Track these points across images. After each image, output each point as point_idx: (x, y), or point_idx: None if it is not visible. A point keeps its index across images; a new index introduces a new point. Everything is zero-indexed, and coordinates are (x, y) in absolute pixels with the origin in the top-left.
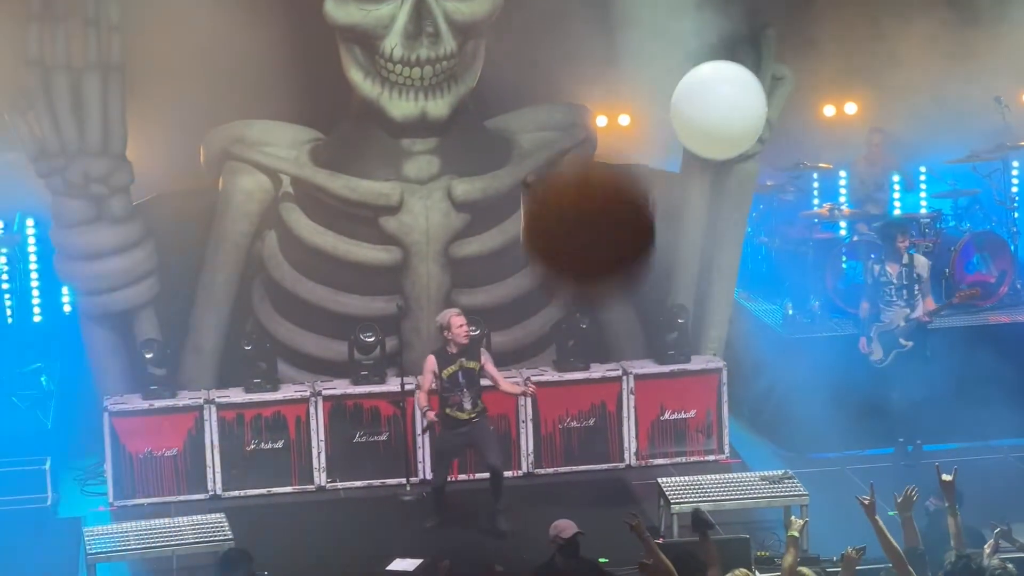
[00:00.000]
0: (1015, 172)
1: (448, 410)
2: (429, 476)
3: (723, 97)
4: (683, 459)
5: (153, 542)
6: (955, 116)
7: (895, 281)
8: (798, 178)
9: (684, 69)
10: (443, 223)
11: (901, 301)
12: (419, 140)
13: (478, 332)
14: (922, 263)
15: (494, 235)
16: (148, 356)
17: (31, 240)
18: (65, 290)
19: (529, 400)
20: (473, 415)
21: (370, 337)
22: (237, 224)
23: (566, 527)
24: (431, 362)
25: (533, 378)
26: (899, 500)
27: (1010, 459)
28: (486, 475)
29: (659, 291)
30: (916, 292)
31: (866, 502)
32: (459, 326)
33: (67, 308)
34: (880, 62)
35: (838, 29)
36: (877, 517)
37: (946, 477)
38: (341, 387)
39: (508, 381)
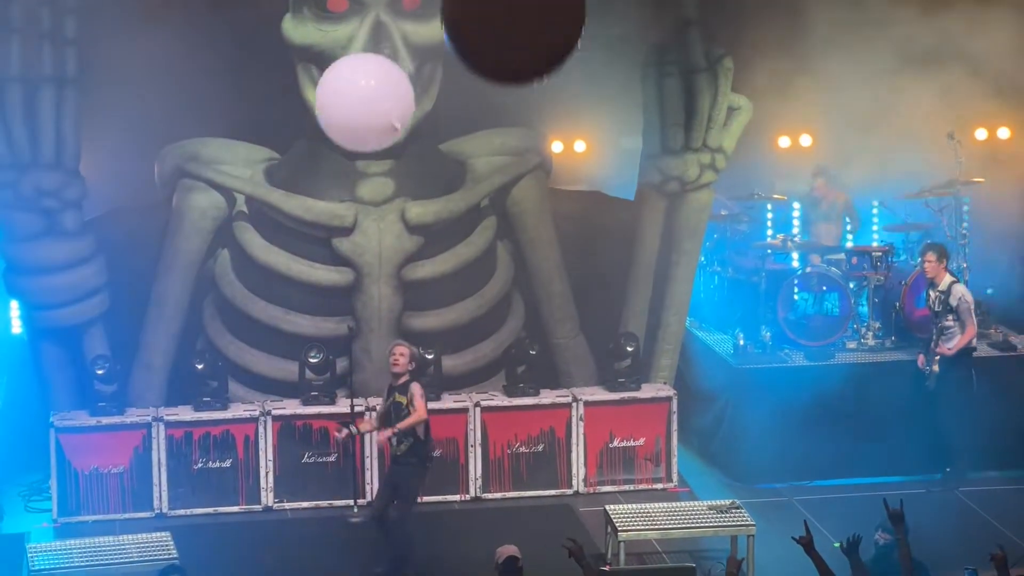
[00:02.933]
0: (966, 208)
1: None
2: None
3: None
4: (631, 487)
5: (97, 560)
6: (908, 151)
7: (933, 307)
8: (752, 208)
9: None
10: (396, 245)
11: (934, 328)
12: (374, 162)
13: (408, 369)
14: (956, 293)
15: (447, 258)
16: (99, 372)
17: None
18: (14, 304)
19: (478, 424)
20: (396, 452)
21: (316, 357)
22: (190, 241)
23: (502, 552)
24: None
25: (483, 403)
26: (845, 547)
27: (958, 494)
28: (431, 497)
29: (611, 318)
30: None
31: (803, 541)
32: (389, 355)
33: (16, 322)
34: (835, 95)
35: (795, 61)
36: (816, 551)
37: (894, 509)
38: (291, 407)
39: (404, 424)
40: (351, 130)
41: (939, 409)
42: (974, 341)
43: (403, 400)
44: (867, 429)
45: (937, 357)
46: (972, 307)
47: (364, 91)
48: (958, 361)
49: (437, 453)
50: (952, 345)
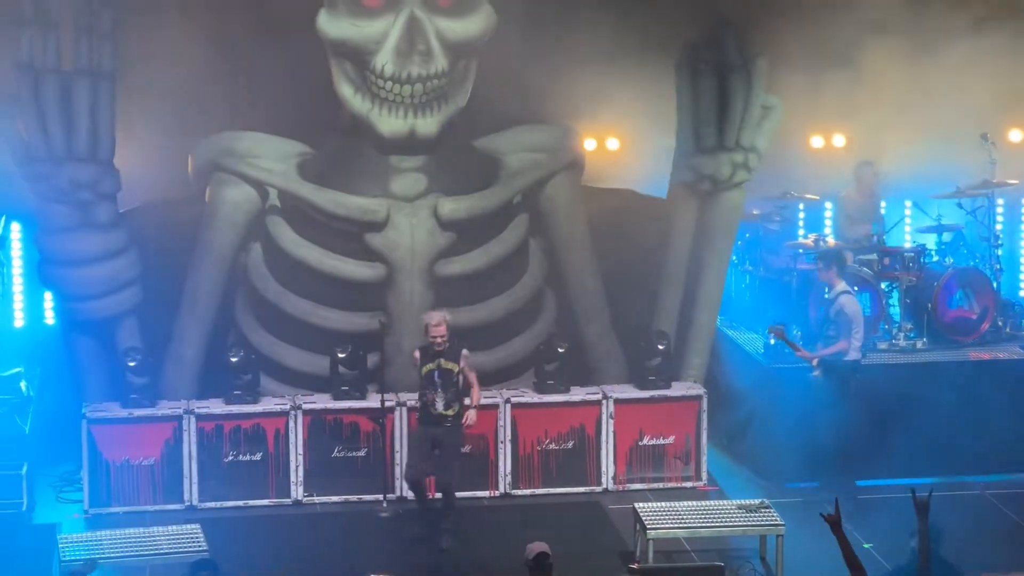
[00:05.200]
0: (1000, 209)
1: (424, 404)
2: (407, 493)
3: None
4: (661, 485)
5: (128, 551)
6: (942, 152)
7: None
8: (784, 208)
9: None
10: (428, 241)
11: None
12: (407, 157)
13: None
14: (838, 304)
15: (479, 255)
16: (131, 364)
17: (16, 244)
18: (48, 295)
19: (508, 420)
20: (447, 415)
21: (343, 352)
22: (223, 235)
23: (532, 548)
24: (415, 356)
25: (513, 399)
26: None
27: (987, 495)
28: (461, 493)
29: (642, 317)
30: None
31: (830, 519)
32: (433, 327)
33: (49, 313)
34: (870, 95)
35: (830, 61)
36: (842, 531)
37: (921, 497)
38: (322, 402)
39: (476, 396)
40: None
41: (815, 413)
42: (851, 354)
43: (452, 367)
44: (897, 429)
45: (816, 362)
46: (854, 321)
47: None
48: (834, 370)
49: (467, 449)
50: (829, 350)
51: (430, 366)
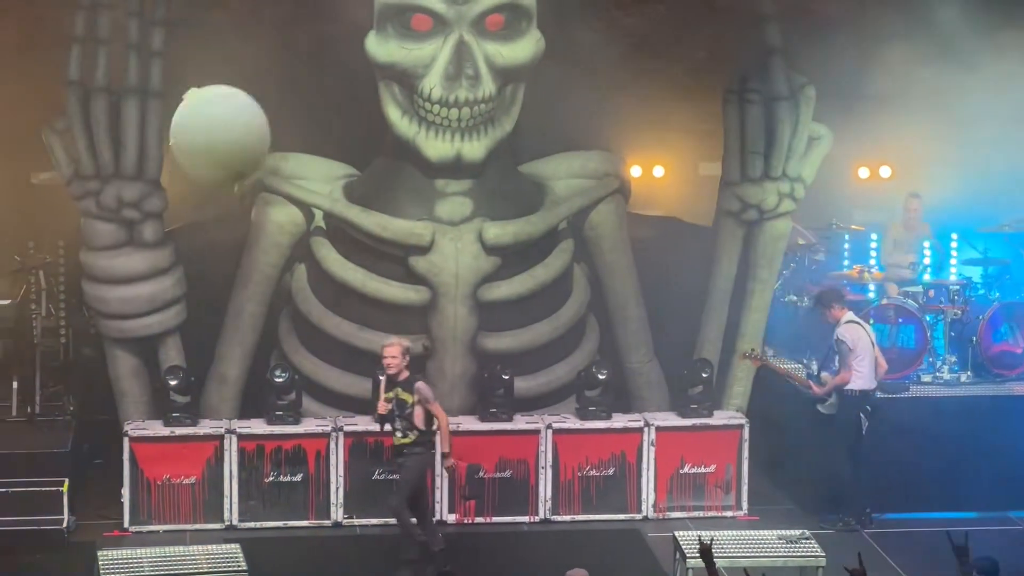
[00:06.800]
0: None
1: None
2: (447, 517)
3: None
4: (701, 513)
5: (167, 569)
6: (987, 184)
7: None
8: (829, 238)
9: (720, 126)
10: (473, 265)
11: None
12: (453, 181)
13: (404, 365)
14: (837, 333)
15: (524, 280)
16: (172, 383)
17: (62, 261)
18: (93, 313)
19: (549, 446)
20: (403, 444)
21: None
22: (267, 255)
23: (572, 575)
24: (381, 384)
25: (555, 425)
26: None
27: None
28: (500, 518)
29: (685, 344)
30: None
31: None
32: (385, 349)
33: (92, 331)
34: (916, 128)
35: (876, 92)
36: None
37: (958, 542)
38: (363, 423)
39: (445, 433)
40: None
41: (829, 446)
42: (856, 382)
43: (407, 397)
44: (939, 464)
45: (831, 394)
46: (853, 348)
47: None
48: (843, 402)
49: (507, 474)
50: (831, 384)
51: (388, 395)
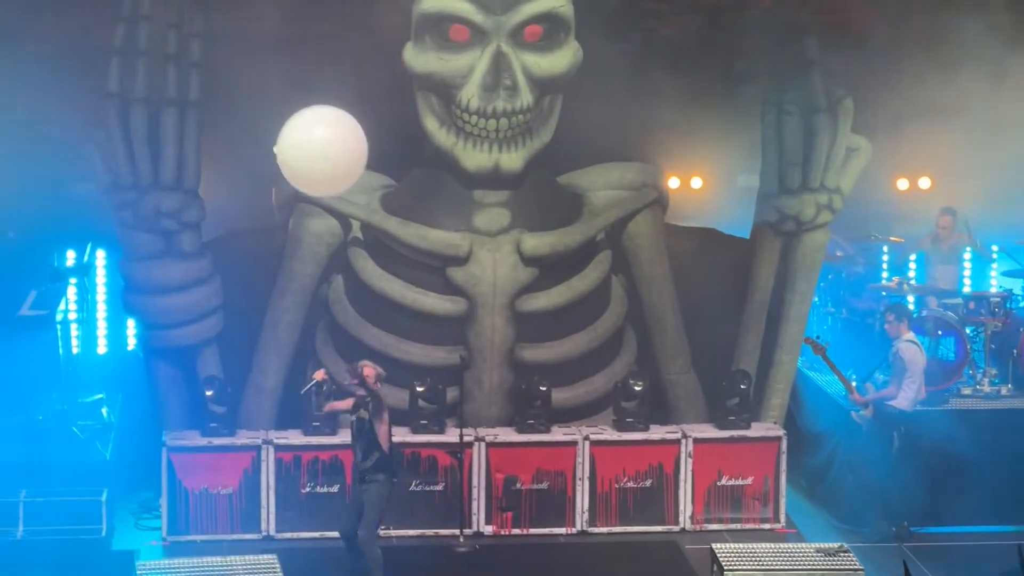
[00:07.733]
0: None
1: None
2: (484, 528)
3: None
4: (738, 526)
5: None
6: None
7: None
8: (868, 250)
9: (758, 137)
10: (510, 276)
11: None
12: (491, 192)
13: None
14: (894, 348)
15: (561, 291)
16: (208, 393)
17: (100, 271)
18: (131, 323)
19: (587, 457)
20: (364, 466)
21: (422, 387)
22: (305, 266)
23: None
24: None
25: (592, 436)
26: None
27: None
28: (537, 529)
29: (723, 356)
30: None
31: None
32: (365, 369)
33: (132, 341)
34: (955, 139)
35: (916, 104)
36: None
37: None
38: (400, 435)
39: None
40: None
41: (862, 458)
42: (899, 402)
43: (364, 415)
44: (979, 477)
45: (869, 404)
46: (909, 367)
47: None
48: (880, 415)
49: (544, 486)
50: (874, 395)
51: (355, 413)
